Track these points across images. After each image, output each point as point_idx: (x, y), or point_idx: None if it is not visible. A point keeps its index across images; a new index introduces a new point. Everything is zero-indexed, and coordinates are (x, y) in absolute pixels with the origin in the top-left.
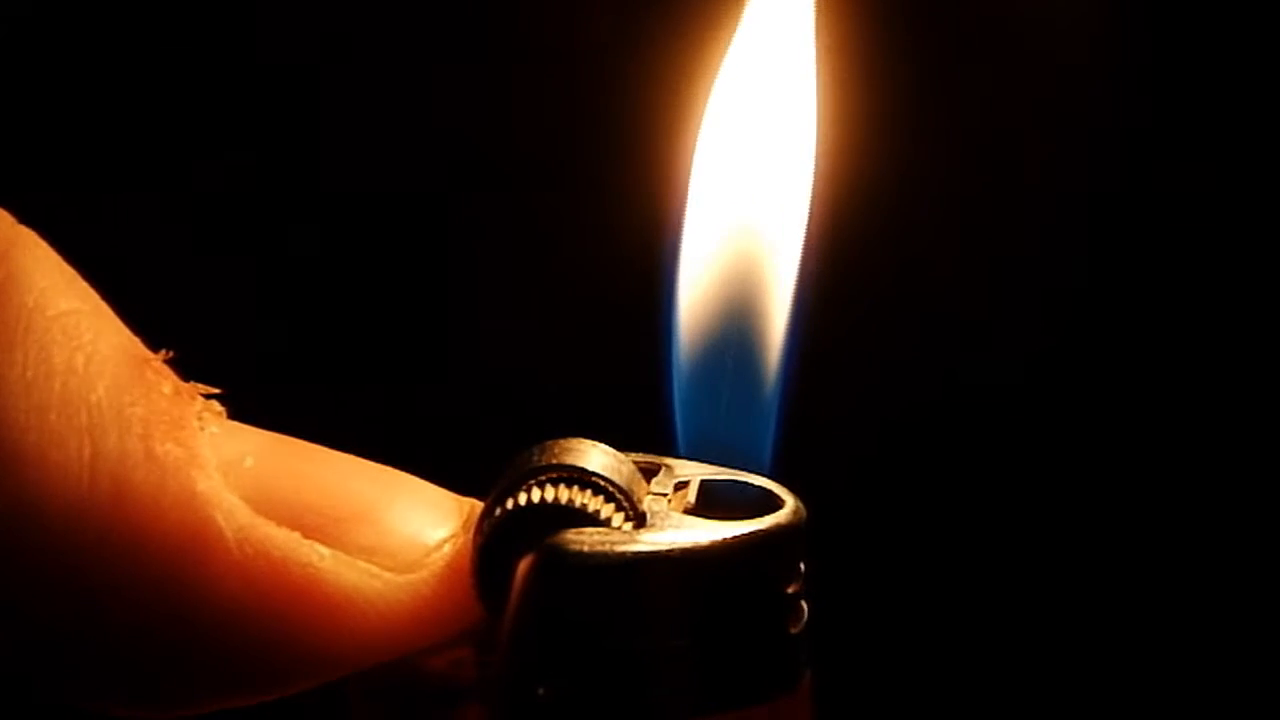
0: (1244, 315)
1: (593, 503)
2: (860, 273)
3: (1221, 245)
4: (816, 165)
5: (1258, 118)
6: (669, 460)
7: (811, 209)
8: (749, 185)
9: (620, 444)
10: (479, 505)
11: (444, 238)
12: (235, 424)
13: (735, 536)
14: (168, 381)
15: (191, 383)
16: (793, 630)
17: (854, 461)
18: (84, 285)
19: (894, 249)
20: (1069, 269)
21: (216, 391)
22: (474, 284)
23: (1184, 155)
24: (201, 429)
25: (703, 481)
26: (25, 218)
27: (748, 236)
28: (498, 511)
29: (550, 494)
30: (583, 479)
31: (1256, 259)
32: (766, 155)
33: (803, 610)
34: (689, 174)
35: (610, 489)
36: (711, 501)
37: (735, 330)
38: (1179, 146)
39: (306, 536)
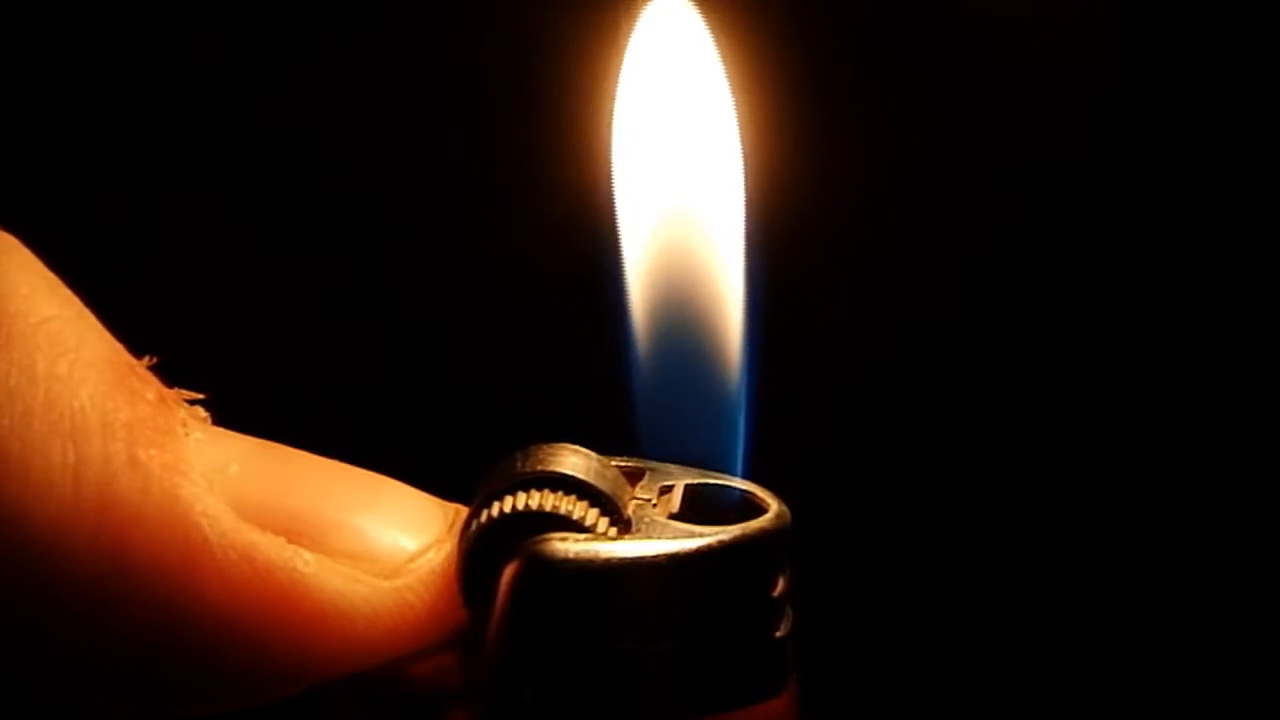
0: (1233, 316)
1: (577, 508)
2: (811, 267)
3: (1195, 245)
4: (743, 157)
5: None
6: (654, 464)
7: (747, 200)
8: (675, 178)
9: (605, 449)
10: (464, 511)
11: (438, 239)
12: (219, 430)
13: (720, 541)
14: (151, 388)
15: (175, 389)
16: (778, 634)
17: (837, 463)
18: (66, 291)
19: (841, 241)
20: (1036, 259)
21: (200, 397)
22: (461, 285)
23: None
24: (185, 435)
25: (687, 486)
26: (6, 223)
27: (683, 227)
28: (483, 517)
29: (535, 500)
30: (567, 484)
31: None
32: (685, 151)
33: (788, 614)
34: (614, 172)
35: (595, 494)
36: (696, 506)
37: (689, 327)
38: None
39: (291, 542)
